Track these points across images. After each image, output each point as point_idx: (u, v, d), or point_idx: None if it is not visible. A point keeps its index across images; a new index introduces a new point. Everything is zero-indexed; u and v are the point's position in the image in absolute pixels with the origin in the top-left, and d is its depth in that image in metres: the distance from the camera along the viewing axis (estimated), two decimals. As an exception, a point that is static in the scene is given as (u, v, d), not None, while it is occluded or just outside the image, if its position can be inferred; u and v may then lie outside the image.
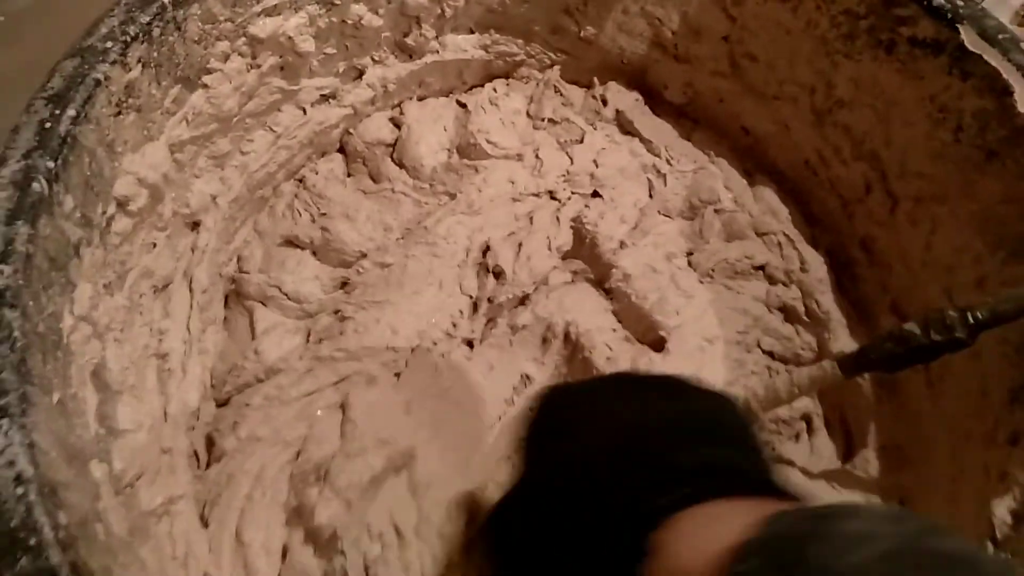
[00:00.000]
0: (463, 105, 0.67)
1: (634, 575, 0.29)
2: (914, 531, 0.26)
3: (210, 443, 0.53)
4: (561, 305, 0.57)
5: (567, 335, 0.56)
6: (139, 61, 0.47)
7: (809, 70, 0.60)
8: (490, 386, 0.55)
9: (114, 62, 0.45)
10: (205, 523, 0.49)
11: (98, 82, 0.45)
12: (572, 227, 0.61)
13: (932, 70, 0.54)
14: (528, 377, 0.56)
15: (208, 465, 0.52)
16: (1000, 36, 0.51)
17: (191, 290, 0.55)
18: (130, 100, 0.47)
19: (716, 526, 0.28)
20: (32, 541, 0.33)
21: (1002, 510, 0.46)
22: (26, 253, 0.39)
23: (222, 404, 0.55)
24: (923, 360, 0.50)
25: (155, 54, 0.48)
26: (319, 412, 0.52)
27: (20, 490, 0.34)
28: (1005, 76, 0.50)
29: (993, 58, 0.50)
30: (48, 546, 0.33)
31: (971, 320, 0.47)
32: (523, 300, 0.57)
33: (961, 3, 0.52)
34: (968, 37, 0.51)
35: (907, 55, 0.55)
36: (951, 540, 0.25)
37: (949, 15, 0.52)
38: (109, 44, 0.46)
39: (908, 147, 0.57)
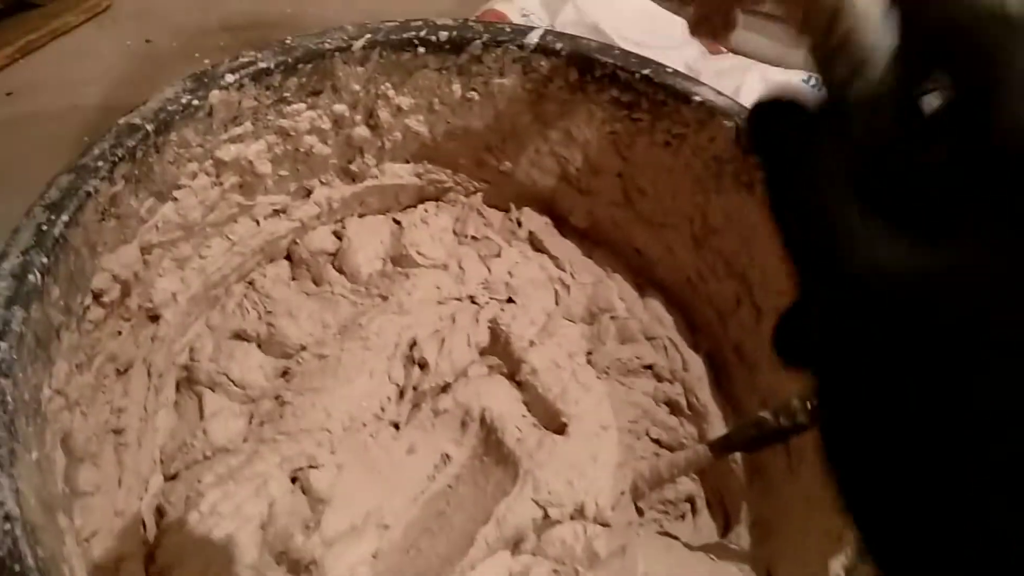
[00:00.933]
0: (398, 222, 0.77)
1: None
2: None
3: (159, 513, 0.59)
4: (478, 393, 0.65)
5: (483, 419, 0.64)
6: (123, 177, 0.56)
7: (688, 203, 0.72)
8: (412, 464, 0.63)
9: (103, 178, 0.54)
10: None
11: (88, 194, 0.53)
12: (489, 327, 0.70)
13: (780, 207, 0.66)
14: (448, 456, 0.64)
15: (158, 531, 0.58)
16: (828, 182, 0.63)
17: (149, 375, 0.62)
18: (112, 209, 0.56)
19: None
20: (17, 567, 0.39)
21: (836, 566, 0.55)
22: (20, 333, 0.47)
23: (170, 478, 0.61)
24: (776, 441, 0.60)
25: (136, 172, 0.57)
26: (273, 492, 0.58)
27: (8, 526, 0.40)
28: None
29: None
30: (30, 572, 0.39)
31: (809, 407, 0.58)
32: (444, 388, 0.66)
33: (799, 155, 0.65)
34: (804, 182, 0.64)
35: (763, 193, 0.67)
36: None
37: (789, 164, 0.64)
38: (100, 163, 0.54)
39: (768, 268, 0.69)
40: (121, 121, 0.57)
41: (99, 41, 1.13)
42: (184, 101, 0.59)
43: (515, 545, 0.60)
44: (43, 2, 1.10)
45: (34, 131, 0.99)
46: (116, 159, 0.55)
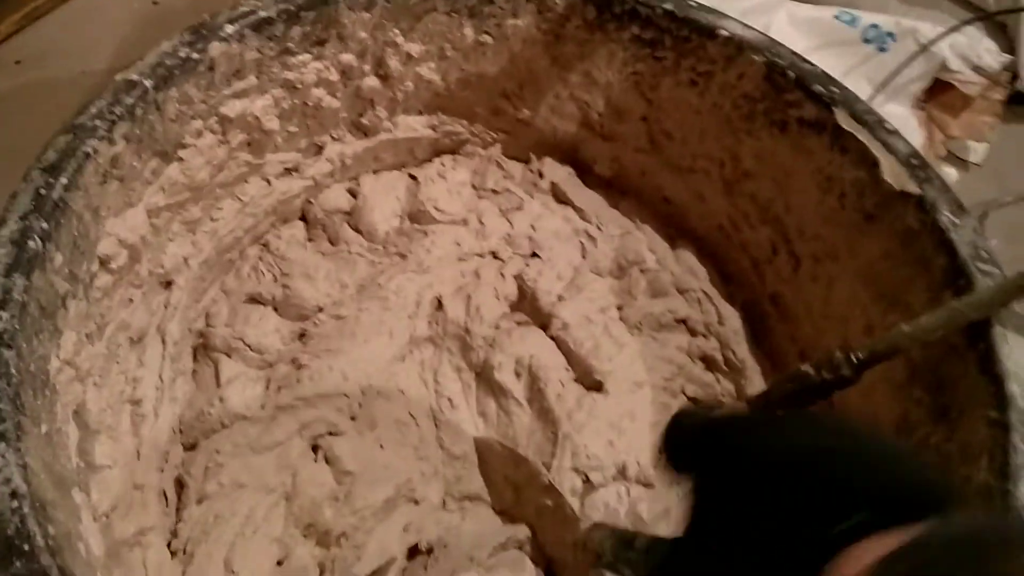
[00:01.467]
0: (414, 177, 0.74)
1: None
2: None
3: (179, 484, 0.57)
4: (524, 342, 0.63)
5: (530, 369, 0.62)
6: (123, 137, 0.53)
7: (717, 146, 0.69)
8: (446, 427, 0.61)
9: (101, 138, 0.52)
10: (184, 557, 0.53)
11: (87, 155, 0.51)
12: (515, 282, 0.67)
13: (817, 146, 0.62)
14: (484, 414, 0.62)
15: (179, 503, 0.56)
16: (867, 117, 0.59)
17: (164, 343, 0.60)
18: (114, 171, 0.53)
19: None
20: (26, 547, 0.37)
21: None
22: (22, 302, 0.45)
23: (189, 448, 0.59)
24: (819, 397, 0.57)
25: (137, 131, 0.55)
26: (295, 462, 0.56)
27: (15, 504, 0.38)
28: (872, 151, 0.58)
29: (863, 136, 0.59)
30: (40, 552, 0.37)
31: (854, 360, 0.54)
32: (480, 344, 0.63)
33: (836, 90, 0.61)
34: (842, 118, 0.60)
35: (797, 133, 0.63)
36: None
37: (826, 100, 0.60)
38: (98, 122, 0.52)
39: (804, 212, 0.65)
40: (118, 78, 0.54)
41: (105, 4, 1.10)
42: (183, 55, 0.56)
43: None
44: (46, -33, 1.08)
45: (44, 99, 0.97)
46: (115, 118, 0.53)
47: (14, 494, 0.39)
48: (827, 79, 0.61)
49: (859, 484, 0.30)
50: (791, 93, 0.62)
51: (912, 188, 0.56)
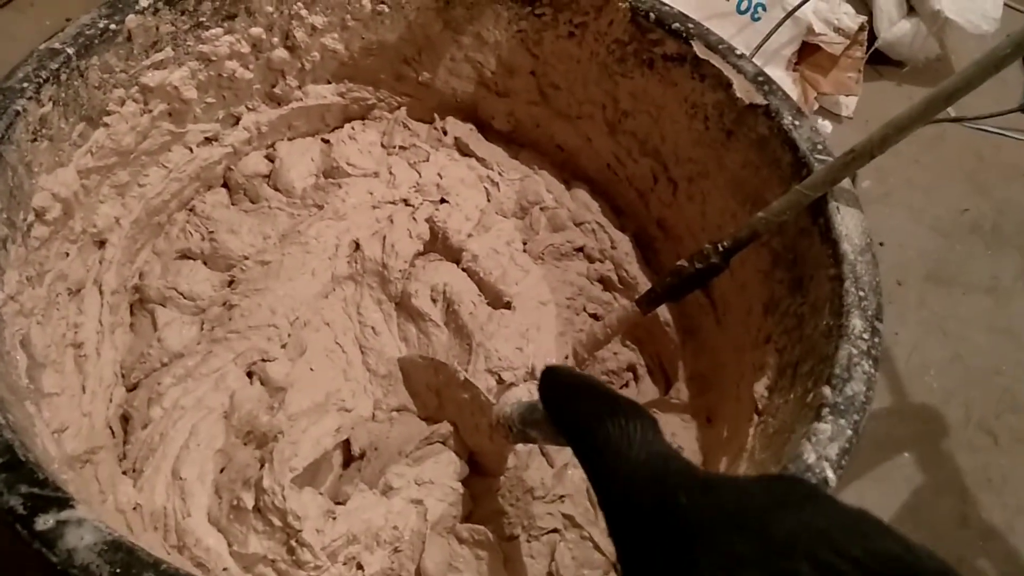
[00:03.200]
0: (327, 141, 0.80)
1: None
2: None
3: (124, 420, 0.62)
4: (438, 272, 0.70)
5: (444, 294, 0.68)
6: (50, 99, 0.58)
7: (599, 91, 0.77)
8: (369, 347, 0.67)
9: (30, 98, 0.56)
10: (133, 474, 0.57)
11: (17, 113, 0.56)
12: (427, 224, 0.74)
13: (681, 77, 0.70)
14: (405, 337, 0.68)
15: (125, 435, 0.61)
16: (719, 46, 0.68)
17: (101, 293, 0.64)
18: (43, 131, 0.58)
19: None
20: (-11, 422, 0.42)
21: (760, 388, 0.60)
22: (-34, 237, 0.49)
23: (132, 389, 0.64)
24: (695, 286, 0.65)
25: (63, 95, 0.60)
26: (232, 384, 0.61)
27: (-26, 390, 0.43)
28: (726, 74, 0.67)
29: (717, 62, 0.67)
30: (3, 428, 0.42)
31: (720, 248, 0.62)
32: (396, 278, 0.69)
33: (691, 26, 0.69)
34: (698, 49, 0.68)
35: (663, 68, 0.71)
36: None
37: (684, 35, 0.69)
38: (25, 84, 0.57)
39: (677, 140, 0.73)
40: (42, 46, 0.59)
41: (18, 24, 1.14)
42: (101, 25, 0.62)
43: None
44: (-41, -10, 1.11)
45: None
46: (41, 80, 0.58)
47: (-26, 384, 0.43)
48: (683, 17, 0.70)
49: None
50: (654, 32, 0.70)
51: (760, 100, 0.65)
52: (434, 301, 0.68)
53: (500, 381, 0.64)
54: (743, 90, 0.66)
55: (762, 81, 0.66)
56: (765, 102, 0.64)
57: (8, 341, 0.52)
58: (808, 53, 1.18)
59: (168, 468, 0.57)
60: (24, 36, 1.12)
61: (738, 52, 0.68)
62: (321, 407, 0.60)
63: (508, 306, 0.70)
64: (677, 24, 0.69)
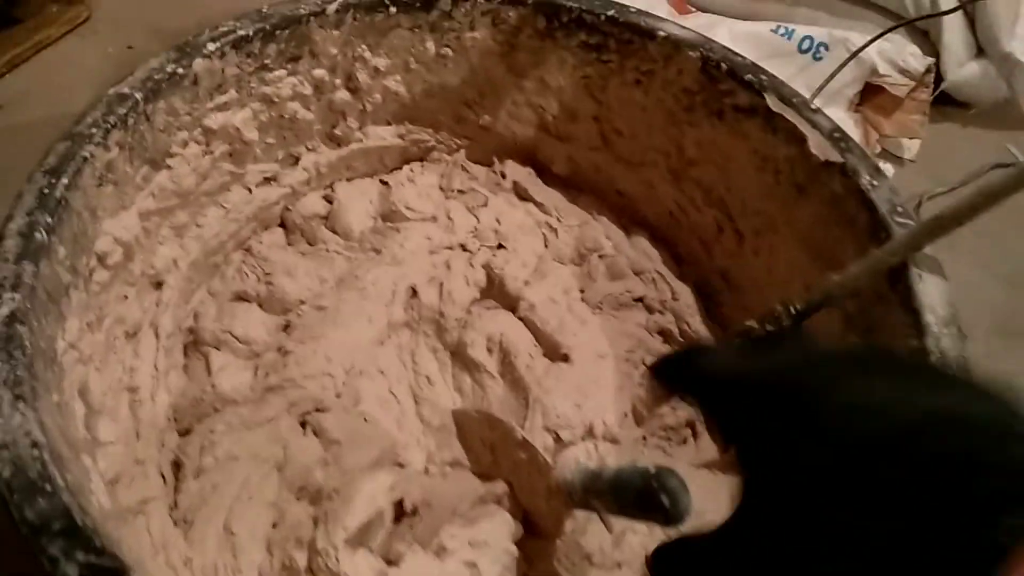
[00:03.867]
0: (385, 183, 0.79)
1: None
2: None
3: (175, 466, 0.61)
4: (495, 322, 0.68)
5: (501, 344, 0.67)
6: (116, 144, 0.58)
7: (663, 138, 0.75)
8: (427, 398, 0.65)
9: (98, 144, 0.56)
10: (184, 525, 0.57)
11: (85, 159, 0.55)
12: (484, 270, 0.72)
13: (752, 129, 0.68)
14: (460, 389, 0.66)
15: (177, 481, 0.60)
16: (794, 99, 0.66)
17: (157, 336, 0.64)
18: (109, 175, 0.58)
19: None
20: (47, 487, 0.41)
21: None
22: (31, 285, 0.49)
23: (184, 434, 0.63)
24: (763, 349, 0.63)
25: (129, 139, 0.60)
26: (285, 435, 0.60)
27: (36, 452, 0.42)
28: (800, 128, 0.65)
29: (791, 116, 0.65)
30: (61, 491, 0.41)
31: (792, 311, 0.60)
32: (452, 326, 0.68)
33: (764, 78, 0.67)
34: (772, 102, 0.66)
35: (733, 119, 0.69)
36: None
37: (756, 87, 0.67)
38: (94, 130, 0.57)
39: (744, 191, 0.71)
40: (111, 91, 0.59)
41: (82, 51, 1.16)
42: (169, 70, 0.62)
43: None
44: (24, 17, 1.13)
45: (27, 140, 1.01)
46: (109, 126, 0.57)
47: (35, 444, 0.42)
48: (756, 68, 0.68)
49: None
50: (725, 83, 0.69)
51: (835, 157, 0.63)
52: (490, 351, 0.67)
53: (558, 439, 0.62)
54: (818, 146, 0.64)
55: (838, 138, 0.64)
56: (841, 160, 0.62)
57: (67, 391, 0.51)
58: (871, 94, 1.15)
59: (220, 521, 0.56)
60: (87, 63, 1.13)
61: (813, 106, 0.66)
62: (376, 462, 0.59)
63: (565, 358, 0.68)
64: (750, 75, 0.67)
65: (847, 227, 0.62)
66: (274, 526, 0.56)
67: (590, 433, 0.63)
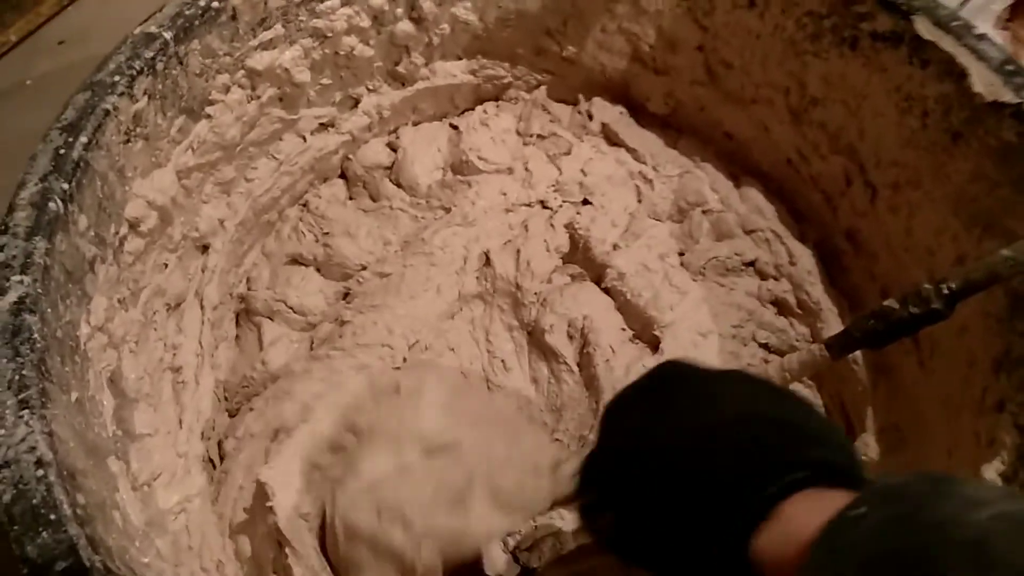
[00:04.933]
0: (455, 127, 0.70)
1: (743, 537, 0.31)
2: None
3: (222, 450, 0.56)
4: (576, 302, 0.60)
5: (583, 331, 0.58)
6: (145, 93, 0.51)
7: (781, 72, 0.63)
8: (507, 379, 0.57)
9: (122, 94, 0.49)
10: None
11: (107, 112, 0.48)
12: (567, 232, 0.63)
13: (894, 61, 0.56)
14: (535, 379, 0.58)
15: (222, 467, 0.54)
16: (952, 23, 0.53)
17: (202, 308, 0.58)
18: (138, 129, 0.51)
19: (836, 501, 0.29)
20: (52, 516, 0.35)
21: (991, 473, 0.47)
22: (44, 265, 0.43)
23: (234, 415, 0.57)
24: (904, 334, 0.51)
25: (160, 86, 0.52)
26: (303, 399, 0.54)
27: (40, 472, 0.36)
28: (959, 60, 0.52)
29: (948, 44, 0.53)
30: (68, 521, 0.35)
31: (945, 291, 0.48)
32: (535, 299, 0.60)
33: (915, -5, 0.55)
34: (922, 27, 0.54)
35: (870, 49, 0.57)
36: None
37: (903, 7, 0.54)
38: (117, 78, 0.49)
39: (881, 137, 0.60)
40: (136, 31, 0.52)
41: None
42: (203, 4, 0.54)
43: None
44: (84, -54, 1.07)
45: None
46: (135, 72, 0.50)
47: (40, 462, 0.37)
48: (903, -16, 0.55)
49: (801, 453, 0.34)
50: (862, 4, 0.56)
51: (1008, 97, 0.50)
52: (571, 338, 0.58)
53: None
54: (984, 82, 0.51)
55: (1012, 71, 0.51)
56: (1017, 100, 0.50)
57: (93, 383, 0.45)
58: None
59: (227, 517, 0.50)
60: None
61: (977, 32, 0.53)
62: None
63: (657, 342, 0.58)
64: (895, -8, 0.54)
65: (1021, 186, 0.50)
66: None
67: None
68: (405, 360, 0.57)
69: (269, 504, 0.47)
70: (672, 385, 0.41)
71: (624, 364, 0.57)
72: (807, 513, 0.30)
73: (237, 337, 0.61)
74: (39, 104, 0.94)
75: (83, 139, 0.47)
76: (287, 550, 0.46)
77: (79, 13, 1.06)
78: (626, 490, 0.37)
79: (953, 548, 0.25)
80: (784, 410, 0.37)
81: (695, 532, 0.34)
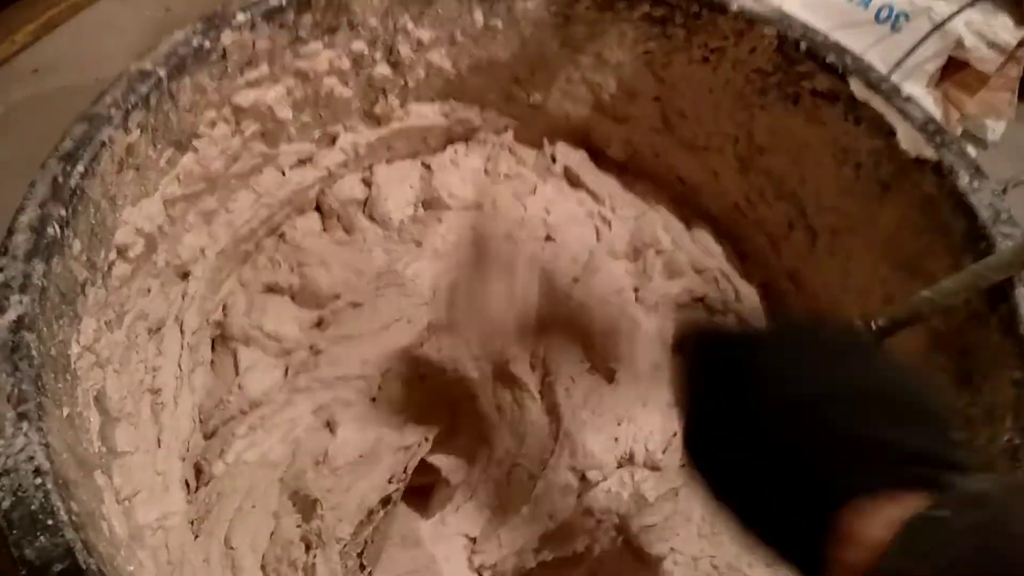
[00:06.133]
0: (427, 166, 0.74)
1: (818, 550, 0.30)
2: None
3: (198, 472, 0.58)
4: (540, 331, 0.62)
5: (544, 361, 0.62)
6: (138, 126, 0.54)
7: (731, 122, 0.68)
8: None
9: (117, 127, 0.52)
10: (196, 537, 0.53)
11: (103, 143, 0.51)
12: (531, 265, 0.67)
13: (831, 117, 0.62)
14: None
15: (197, 490, 0.56)
16: (883, 85, 0.59)
17: (182, 332, 0.60)
18: (130, 159, 0.54)
19: (917, 500, 0.28)
20: (50, 522, 0.37)
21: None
22: (41, 286, 0.45)
23: (209, 436, 0.59)
24: (839, 366, 0.56)
25: (152, 120, 0.55)
26: (300, 435, 0.56)
27: (38, 480, 0.39)
28: (888, 119, 0.58)
29: (878, 104, 0.58)
30: (64, 527, 0.38)
31: (874, 328, 0.53)
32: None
33: (849, 60, 0.60)
34: (856, 88, 0.59)
35: (811, 104, 0.63)
36: None
37: (840, 70, 0.60)
38: (113, 111, 0.52)
39: (820, 185, 0.65)
40: (132, 68, 0.55)
41: (119, 13, 1.11)
42: (195, 44, 0.57)
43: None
44: (63, -23, 1.09)
45: (61, 107, 0.98)
46: (130, 106, 0.53)
47: (37, 471, 0.39)
48: (840, 49, 0.61)
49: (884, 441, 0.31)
50: (804, 64, 0.62)
51: (929, 154, 0.56)
52: (532, 368, 0.62)
53: (583, 479, 0.57)
54: (908, 140, 0.57)
55: (933, 131, 0.57)
56: (936, 157, 0.55)
57: (81, 399, 0.48)
58: (954, 69, 1.05)
59: (223, 534, 0.52)
60: (126, 26, 1.09)
61: (905, 95, 0.59)
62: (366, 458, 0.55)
63: (612, 373, 0.62)
64: (832, 57, 0.60)
65: (939, 234, 0.55)
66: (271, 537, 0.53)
67: (630, 461, 0.58)
68: (381, 388, 0.60)
69: (321, 513, 0.51)
70: (798, 342, 0.37)
71: (583, 392, 0.60)
72: (896, 509, 0.28)
73: (212, 362, 0.64)
74: (12, 132, 0.96)
75: (80, 168, 0.49)
76: (317, 552, 0.50)
77: (53, 43, 1.07)
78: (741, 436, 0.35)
79: None
80: (902, 389, 0.34)
81: (797, 493, 0.32)
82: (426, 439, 0.59)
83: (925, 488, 0.29)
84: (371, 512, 0.54)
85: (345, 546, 0.53)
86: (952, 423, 0.34)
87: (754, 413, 0.35)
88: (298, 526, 0.53)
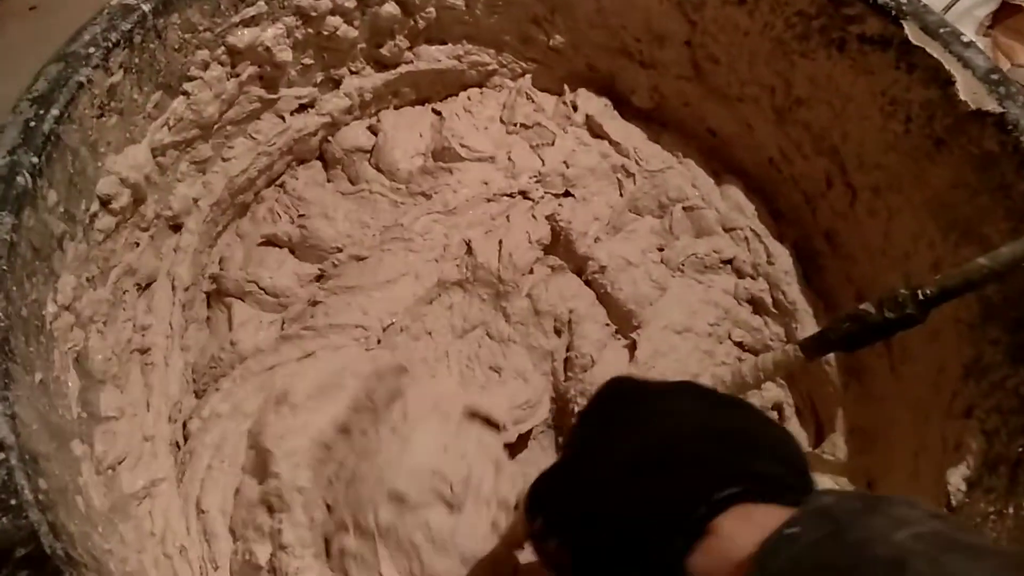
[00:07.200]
0: (438, 113, 0.69)
1: (681, 556, 0.31)
2: (952, 525, 0.28)
3: (186, 431, 0.55)
4: (560, 295, 0.60)
5: (569, 324, 0.59)
6: (121, 66, 0.50)
7: (768, 70, 0.63)
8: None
9: (96, 66, 0.48)
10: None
11: (81, 85, 0.47)
12: (548, 223, 0.63)
13: (881, 65, 0.56)
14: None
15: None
16: (941, 30, 0.53)
17: (173, 288, 0.57)
18: (112, 103, 0.50)
19: (770, 517, 0.30)
20: (13, 502, 0.34)
21: (956, 478, 0.48)
22: (10, 241, 0.41)
23: (200, 396, 0.56)
24: (879, 338, 0.52)
25: (136, 60, 0.51)
26: (277, 380, 0.53)
27: (1, 455, 0.35)
28: (947, 67, 0.52)
29: (935, 51, 0.53)
30: (28, 507, 0.35)
31: (921, 297, 0.49)
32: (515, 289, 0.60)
33: (904, 0, 0.55)
34: (912, 32, 0.54)
35: (857, 52, 0.57)
36: (981, 536, 0.28)
37: (893, 12, 0.54)
38: (92, 50, 0.48)
39: (864, 140, 0.60)
40: (114, 1, 0.50)
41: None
42: (184, -24, 0.52)
43: None
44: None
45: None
46: (111, 44, 0.49)
47: (1, 445, 0.36)
48: (893, -12, 0.55)
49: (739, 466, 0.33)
50: (852, 7, 0.56)
51: (992, 106, 0.50)
52: (558, 333, 0.58)
53: None
54: (968, 90, 0.51)
55: (996, 80, 0.51)
56: (1000, 109, 0.50)
57: (58, 363, 0.44)
58: (1006, 15, 0.99)
59: (195, 496, 0.50)
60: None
61: (965, 39, 0.53)
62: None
63: (634, 343, 0.58)
64: (885, -3, 0.54)
65: (999, 196, 0.50)
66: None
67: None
68: (380, 342, 0.57)
69: (275, 470, 0.48)
70: (614, 405, 0.41)
71: (608, 357, 0.57)
72: (742, 530, 0.30)
73: (208, 319, 0.60)
74: (8, 73, 0.92)
75: (55, 112, 0.45)
76: (282, 516, 0.47)
77: (52, -24, 1.03)
78: (568, 516, 0.37)
79: (875, 566, 0.26)
80: (728, 422, 0.37)
81: (636, 557, 0.34)
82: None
83: (785, 499, 0.31)
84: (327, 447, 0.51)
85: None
86: (799, 454, 0.37)
87: (593, 470, 0.37)
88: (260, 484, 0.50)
